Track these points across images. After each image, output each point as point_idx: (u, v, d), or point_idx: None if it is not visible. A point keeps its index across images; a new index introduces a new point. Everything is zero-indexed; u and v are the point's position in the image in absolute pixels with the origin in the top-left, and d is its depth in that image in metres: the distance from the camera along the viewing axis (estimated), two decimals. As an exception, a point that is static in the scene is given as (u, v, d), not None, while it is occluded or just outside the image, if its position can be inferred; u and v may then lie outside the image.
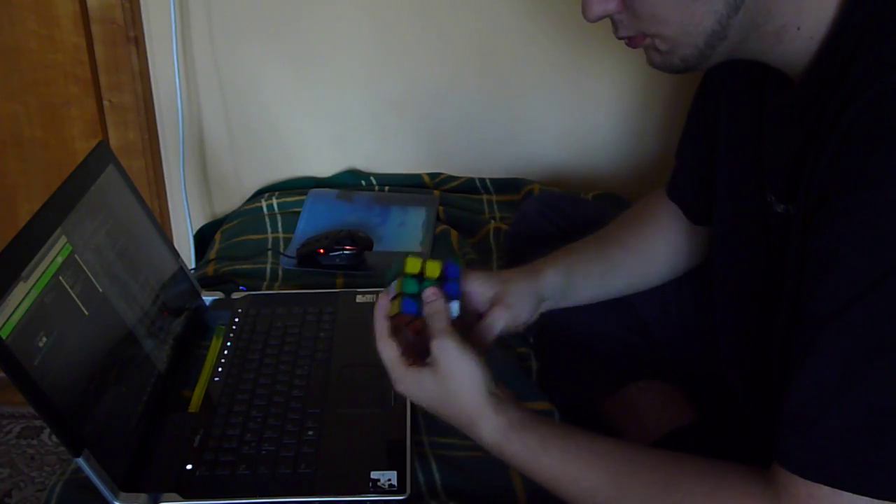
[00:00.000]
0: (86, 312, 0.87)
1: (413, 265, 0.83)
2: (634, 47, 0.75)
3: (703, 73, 0.92)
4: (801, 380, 0.63)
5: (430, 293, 0.81)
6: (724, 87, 0.87)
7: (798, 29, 0.69)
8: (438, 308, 0.80)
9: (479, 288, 0.90)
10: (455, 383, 0.76)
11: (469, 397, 0.76)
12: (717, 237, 0.93)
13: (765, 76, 0.79)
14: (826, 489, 0.61)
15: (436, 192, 1.54)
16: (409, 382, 0.78)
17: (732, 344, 0.91)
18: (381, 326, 0.81)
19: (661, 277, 1.05)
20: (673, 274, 1.05)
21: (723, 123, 0.88)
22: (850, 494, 0.60)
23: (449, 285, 0.83)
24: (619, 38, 0.75)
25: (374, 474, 0.86)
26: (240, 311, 1.12)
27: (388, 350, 0.79)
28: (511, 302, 0.90)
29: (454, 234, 1.39)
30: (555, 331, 1.08)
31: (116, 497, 0.81)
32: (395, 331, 0.81)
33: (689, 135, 0.99)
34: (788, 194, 0.74)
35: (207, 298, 1.15)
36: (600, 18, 0.73)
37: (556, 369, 1.07)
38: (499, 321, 0.88)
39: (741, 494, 0.66)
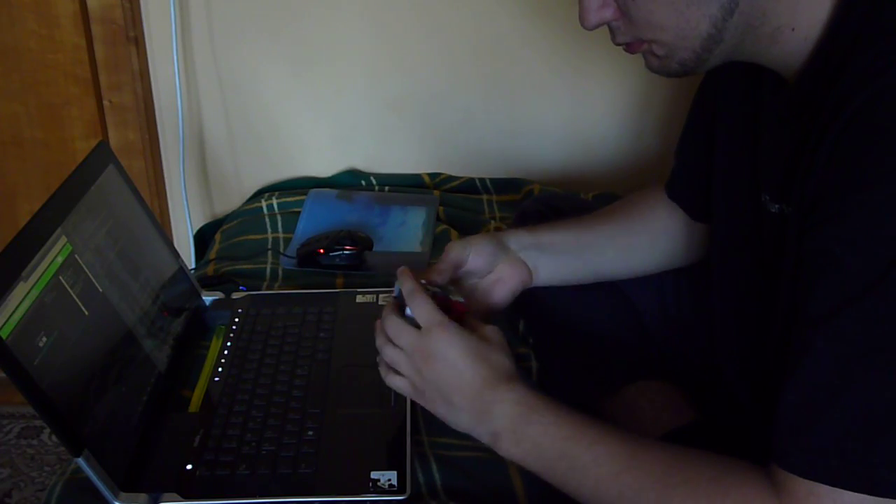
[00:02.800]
0: (86, 312, 0.87)
1: None
2: (632, 53, 0.75)
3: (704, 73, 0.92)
4: (798, 380, 0.64)
5: None
6: (722, 87, 0.88)
7: (793, 30, 0.69)
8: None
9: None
10: (501, 354, 0.79)
11: (510, 365, 0.79)
12: (715, 236, 0.93)
13: (760, 77, 0.79)
14: (825, 487, 0.61)
15: (436, 192, 1.54)
16: (451, 330, 0.78)
17: (730, 343, 0.92)
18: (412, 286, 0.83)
19: (657, 263, 1.05)
20: (670, 263, 1.05)
21: (720, 123, 0.88)
22: (850, 492, 0.61)
23: None
24: (617, 45, 0.76)
25: (374, 474, 0.86)
26: (240, 311, 1.12)
27: (425, 300, 0.81)
28: (467, 240, 0.93)
29: (454, 234, 1.39)
30: (554, 331, 1.08)
31: (116, 497, 0.81)
32: None
33: (688, 134, 0.99)
34: (783, 194, 0.75)
35: (207, 298, 1.15)
36: (598, 26, 0.74)
37: (556, 369, 1.07)
38: (451, 250, 0.92)
39: (745, 484, 0.66)
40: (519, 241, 0.98)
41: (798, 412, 0.63)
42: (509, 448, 0.77)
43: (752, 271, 0.85)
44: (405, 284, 0.82)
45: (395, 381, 0.83)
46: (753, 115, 0.82)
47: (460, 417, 0.79)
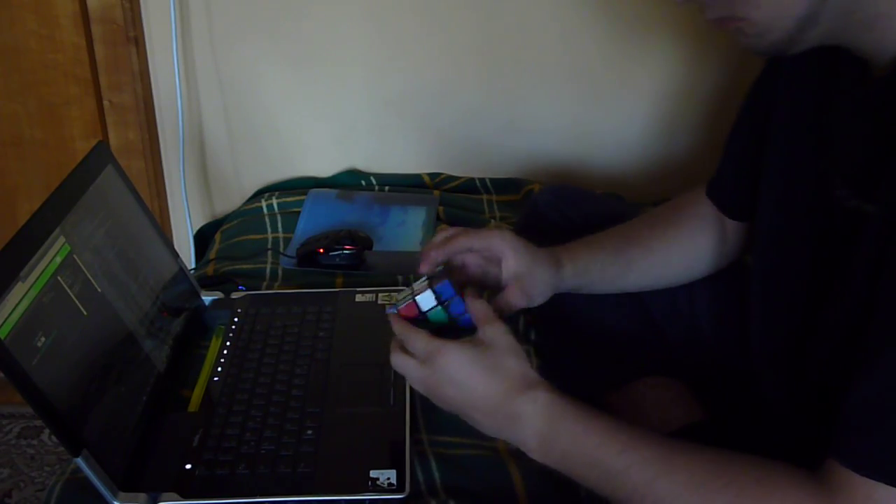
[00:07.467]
0: (84, 312, 0.87)
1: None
2: (721, 30, 0.73)
3: (765, 61, 0.89)
4: (871, 378, 0.62)
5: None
6: (785, 75, 0.84)
7: (891, 18, 0.66)
8: (483, 303, 0.82)
9: (512, 256, 0.91)
10: (511, 359, 0.77)
11: (524, 369, 0.78)
12: (760, 235, 0.89)
13: (836, 65, 0.76)
14: (884, 488, 0.60)
15: (436, 192, 1.54)
16: (453, 352, 0.77)
17: (770, 345, 0.88)
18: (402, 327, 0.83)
19: (677, 281, 1.04)
20: (689, 278, 1.04)
21: (778, 115, 0.85)
22: None
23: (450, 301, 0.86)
24: (708, 21, 0.73)
25: (373, 473, 0.86)
26: (239, 310, 1.12)
27: (419, 332, 0.80)
28: (530, 289, 0.91)
29: (454, 233, 1.39)
30: (562, 325, 1.08)
31: (116, 497, 0.81)
32: None
33: (740, 126, 0.96)
34: (866, 190, 0.71)
35: (207, 298, 1.15)
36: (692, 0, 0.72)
37: (562, 364, 1.07)
38: (515, 304, 0.90)
39: (792, 485, 0.65)
40: (566, 283, 0.97)
41: (868, 409, 0.62)
42: (539, 457, 0.76)
43: (807, 268, 0.81)
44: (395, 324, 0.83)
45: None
46: (821, 105, 0.78)
47: (485, 429, 0.79)
